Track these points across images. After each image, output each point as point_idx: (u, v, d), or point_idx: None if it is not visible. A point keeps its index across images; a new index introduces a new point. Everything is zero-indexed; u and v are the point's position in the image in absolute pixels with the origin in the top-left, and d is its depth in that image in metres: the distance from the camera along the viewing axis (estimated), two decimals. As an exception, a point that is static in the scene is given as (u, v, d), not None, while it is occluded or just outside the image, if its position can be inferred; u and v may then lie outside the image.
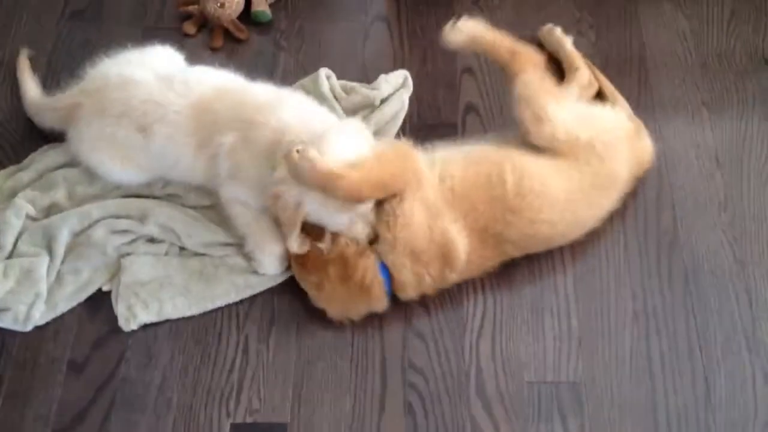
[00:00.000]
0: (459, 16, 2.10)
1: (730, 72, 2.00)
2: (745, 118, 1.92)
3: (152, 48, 1.89)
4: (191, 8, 2.12)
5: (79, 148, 1.78)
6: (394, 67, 2.01)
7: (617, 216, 1.78)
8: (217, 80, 1.77)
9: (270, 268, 1.71)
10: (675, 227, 1.77)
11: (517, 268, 1.72)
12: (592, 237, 1.75)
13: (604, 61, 2.01)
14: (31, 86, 1.92)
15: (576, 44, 2.04)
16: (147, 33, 2.11)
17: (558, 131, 1.66)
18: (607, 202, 1.71)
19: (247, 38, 2.11)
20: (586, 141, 1.66)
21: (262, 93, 1.74)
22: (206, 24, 2.12)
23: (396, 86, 1.96)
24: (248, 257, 1.72)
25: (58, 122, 1.83)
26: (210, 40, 2.10)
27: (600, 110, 1.78)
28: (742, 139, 1.88)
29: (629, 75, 1.98)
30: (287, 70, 2.05)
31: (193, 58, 1.98)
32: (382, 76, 1.96)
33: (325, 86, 1.93)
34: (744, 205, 1.80)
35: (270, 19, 2.13)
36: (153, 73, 1.75)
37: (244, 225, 1.72)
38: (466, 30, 1.78)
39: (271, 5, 2.15)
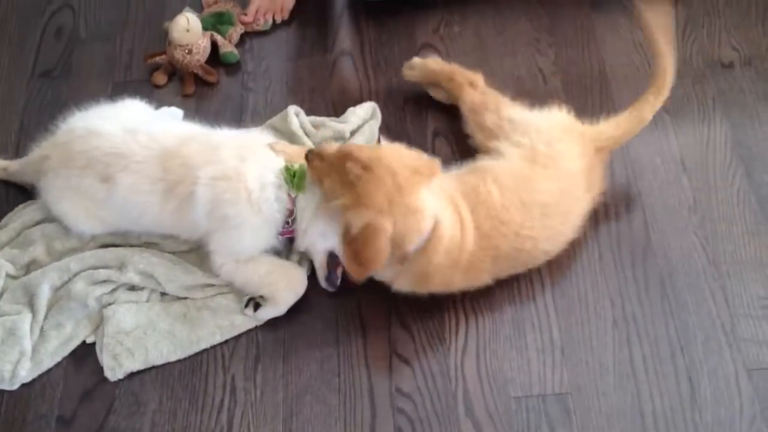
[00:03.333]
0: (421, 46, 2.18)
1: (689, 78, 2.04)
2: (707, 121, 1.96)
3: (123, 101, 1.93)
4: (159, 59, 2.16)
5: (47, 198, 1.81)
6: (362, 100, 2.05)
7: (590, 227, 1.80)
8: (181, 130, 1.81)
9: (290, 300, 1.72)
10: (647, 233, 1.80)
11: (495, 285, 1.74)
12: (567, 249, 1.77)
13: (564, 78, 2.06)
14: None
15: (536, 63, 2.10)
16: (116, 87, 2.15)
17: (500, 141, 1.74)
18: (575, 205, 1.72)
19: (217, 81, 2.15)
20: (529, 145, 1.70)
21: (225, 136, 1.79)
22: (175, 72, 2.16)
23: (365, 118, 1.99)
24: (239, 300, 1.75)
25: (31, 177, 1.86)
26: (181, 87, 2.13)
27: (536, 114, 1.80)
28: (706, 142, 1.92)
29: (590, 89, 2.03)
30: (256, 111, 2.08)
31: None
32: (351, 109, 2.00)
33: (294, 123, 1.96)
34: (713, 206, 1.83)
35: (238, 59, 2.17)
36: (119, 125, 1.77)
37: (264, 275, 1.71)
38: (417, 65, 2.01)
39: (238, 46, 2.20)
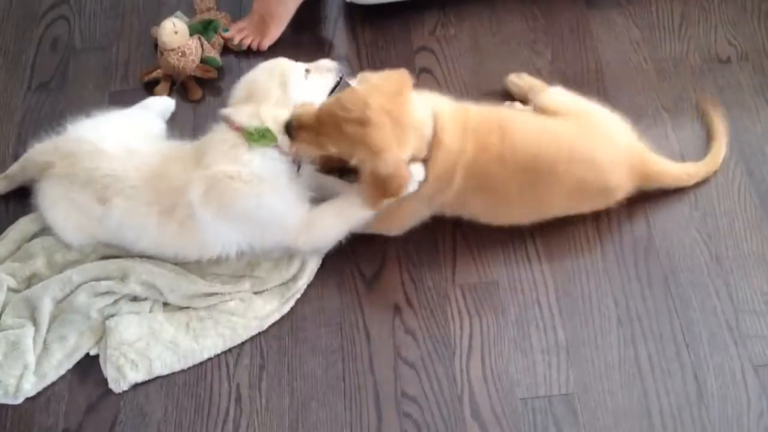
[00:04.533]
0: (417, 49, 2.18)
1: (686, 74, 2.04)
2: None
3: (134, 112, 1.95)
4: (155, 74, 2.15)
5: (41, 202, 1.80)
6: (359, 104, 2.05)
7: (591, 227, 1.81)
8: (166, 148, 1.81)
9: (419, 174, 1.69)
10: (649, 231, 1.80)
11: (498, 285, 1.74)
12: (569, 249, 1.78)
13: (562, 77, 2.05)
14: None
15: (533, 64, 2.10)
16: (113, 97, 2.14)
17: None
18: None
19: (216, 76, 2.15)
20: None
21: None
22: (175, 82, 2.15)
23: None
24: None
25: (31, 176, 1.85)
26: (187, 95, 2.13)
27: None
28: (705, 137, 1.91)
29: (588, 88, 2.02)
30: (254, 118, 2.07)
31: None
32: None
33: None
34: (714, 202, 1.83)
35: (220, 65, 2.17)
36: (123, 144, 1.77)
37: (341, 215, 1.74)
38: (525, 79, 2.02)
39: (234, 53, 2.20)
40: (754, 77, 2.02)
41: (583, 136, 1.72)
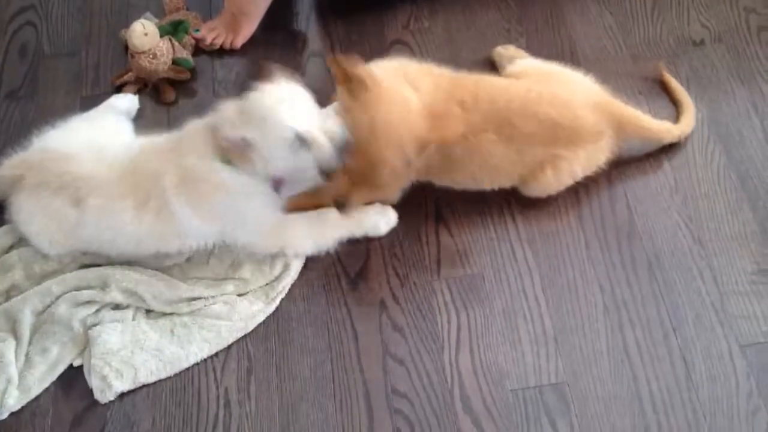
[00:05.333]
0: (391, 42, 2.17)
1: (661, 58, 2.05)
2: (682, 100, 1.97)
3: (98, 115, 1.92)
4: (126, 77, 2.11)
5: (17, 218, 1.77)
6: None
7: (574, 215, 1.81)
8: (138, 143, 1.80)
9: (390, 221, 1.80)
10: (631, 217, 1.80)
11: (483, 278, 1.73)
12: (552, 239, 1.78)
13: (538, 65, 2.05)
14: None
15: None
16: (84, 102, 2.11)
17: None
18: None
19: (189, 76, 2.12)
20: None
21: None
22: (147, 84, 2.12)
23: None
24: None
25: (3, 190, 1.81)
26: (161, 97, 2.10)
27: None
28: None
29: (564, 75, 2.02)
30: (230, 118, 2.05)
31: (139, 122, 2.01)
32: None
33: None
34: (694, 185, 1.84)
35: (192, 66, 2.14)
36: (90, 145, 1.75)
37: (340, 222, 1.77)
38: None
39: (206, 53, 2.17)
40: (728, 58, 2.03)
41: (550, 84, 1.77)
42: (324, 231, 1.77)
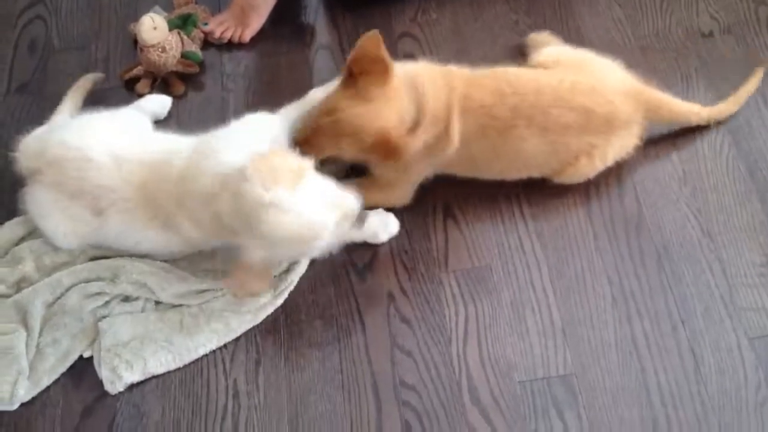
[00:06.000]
0: (399, 35, 2.17)
1: (670, 50, 2.04)
2: (691, 92, 1.96)
3: (120, 113, 1.88)
4: (135, 71, 2.12)
5: (31, 209, 1.76)
6: (344, 93, 2.03)
7: (582, 207, 1.80)
8: (150, 156, 1.71)
9: (392, 230, 1.79)
10: (639, 209, 1.80)
11: (491, 270, 1.74)
12: (561, 230, 1.78)
13: (546, 57, 2.04)
14: None
15: (517, 46, 2.08)
16: (94, 96, 2.11)
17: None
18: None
19: (198, 70, 2.12)
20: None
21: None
22: (156, 78, 2.13)
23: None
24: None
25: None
26: (170, 90, 2.10)
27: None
28: (691, 112, 1.92)
29: (573, 67, 2.02)
30: (238, 111, 2.04)
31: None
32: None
33: None
34: (703, 177, 1.83)
35: (201, 59, 2.14)
36: (109, 152, 1.70)
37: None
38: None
39: (215, 46, 2.18)
40: (737, 50, 2.02)
41: (580, 73, 1.75)
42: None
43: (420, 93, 1.67)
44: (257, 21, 2.18)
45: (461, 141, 1.69)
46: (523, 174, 1.79)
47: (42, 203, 1.74)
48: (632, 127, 1.76)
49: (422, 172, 1.77)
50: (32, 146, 1.77)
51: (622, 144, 1.77)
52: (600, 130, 1.72)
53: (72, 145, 1.71)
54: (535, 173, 1.79)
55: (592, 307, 1.68)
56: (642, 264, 1.73)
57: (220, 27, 2.18)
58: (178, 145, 1.73)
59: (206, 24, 2.19)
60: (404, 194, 1.81)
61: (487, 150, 1.71)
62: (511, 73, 1.75)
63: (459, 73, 1.74)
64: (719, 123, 1.88)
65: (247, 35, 2.18)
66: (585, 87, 1.71)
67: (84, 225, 1.72)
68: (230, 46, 2.19)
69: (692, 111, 1.85)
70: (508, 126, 1.68)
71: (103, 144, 1.71)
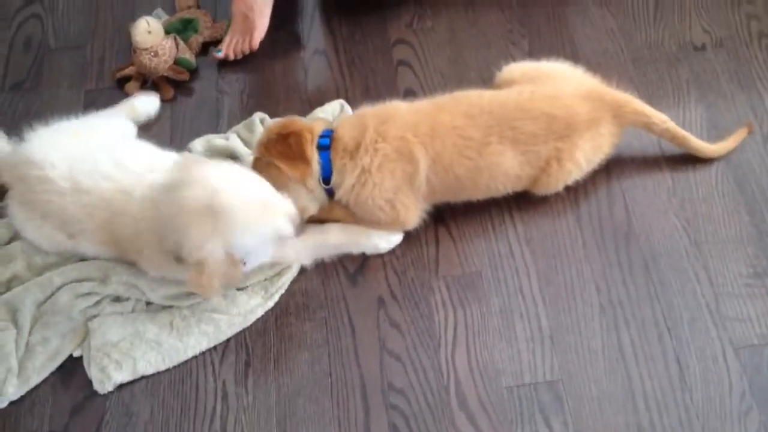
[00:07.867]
0: (394, 42, 2.18)
1: (662, 62, 2.06)
2: (682, 103, 1.98)
3: (99, 120, 1.88)
4: (127, 71, 2.13)
5: (12, 218, 1.78)
6: (338, 97, 2.05)
7: (572, 215, 1.82)
8: (121, 180, 1.68)
9: (393, 239, 1.80)
10: (628, 218, 1.81)
11: (481, 276, 1.75)
12: (550, 238, 1.79)
13: (539, 66, 2.06)
14: None
15: (510, 55, 2.11)
16: (89, 96, 2.13)
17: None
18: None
19: (188, 78, 2.13)
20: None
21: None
22: (147, 80, 2.13)
23: (333, 114, 1.99)
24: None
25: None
26: (159, 93, 2.10)
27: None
28: (682, 124, 1.91)
29: (565, 77, 2.04)
30: (232, 114, 2.07)
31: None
32: (317, 109, 2.00)
33: (259, 130, 1.95)
34: (692, 188, 1.85)
35: (194, 66, 2.15)
36: (70, 176, 1.67)
37: (341, 239, 1.79)
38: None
39: (210, 51, 2.19)
40: (729, 64, 2.05)
41: (539, 82, 1.80)
42: (324, 246, 1.78)
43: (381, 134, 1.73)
44: (261, 22, 2.16)
45: (443, 165, 1.72)
46: (507, 188, 1.80)
47: (18, 218, 1.76)
48: (599, 127, 1.77)
49: (410, 205, 1.78)
50: (8, 159, 1.78)
51: (592, 145, 1.78)
52: (563, 134, 1.74)
53: (36, 163, 1.70)
54: (518, 186, 1.81)
55: (580, 314, 1.70)
56: (630, 273, 1.74)
57: (230, 47, 2.16)
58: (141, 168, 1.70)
59: (219, 51, 2.16)
60: (402, 225, 1.81)
61: (469, 169, 1.74)
62: (473, 94, 1.79)
63: (419, 108, 1.78)
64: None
65: (256, 41, 2.16)
66: (543, 94, 1.76)
67: (59, 244, 1.74)
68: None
69: (656, 113, 1.83)
70: (484, 143, 1.72)
71: (66, 165, 1.69)
